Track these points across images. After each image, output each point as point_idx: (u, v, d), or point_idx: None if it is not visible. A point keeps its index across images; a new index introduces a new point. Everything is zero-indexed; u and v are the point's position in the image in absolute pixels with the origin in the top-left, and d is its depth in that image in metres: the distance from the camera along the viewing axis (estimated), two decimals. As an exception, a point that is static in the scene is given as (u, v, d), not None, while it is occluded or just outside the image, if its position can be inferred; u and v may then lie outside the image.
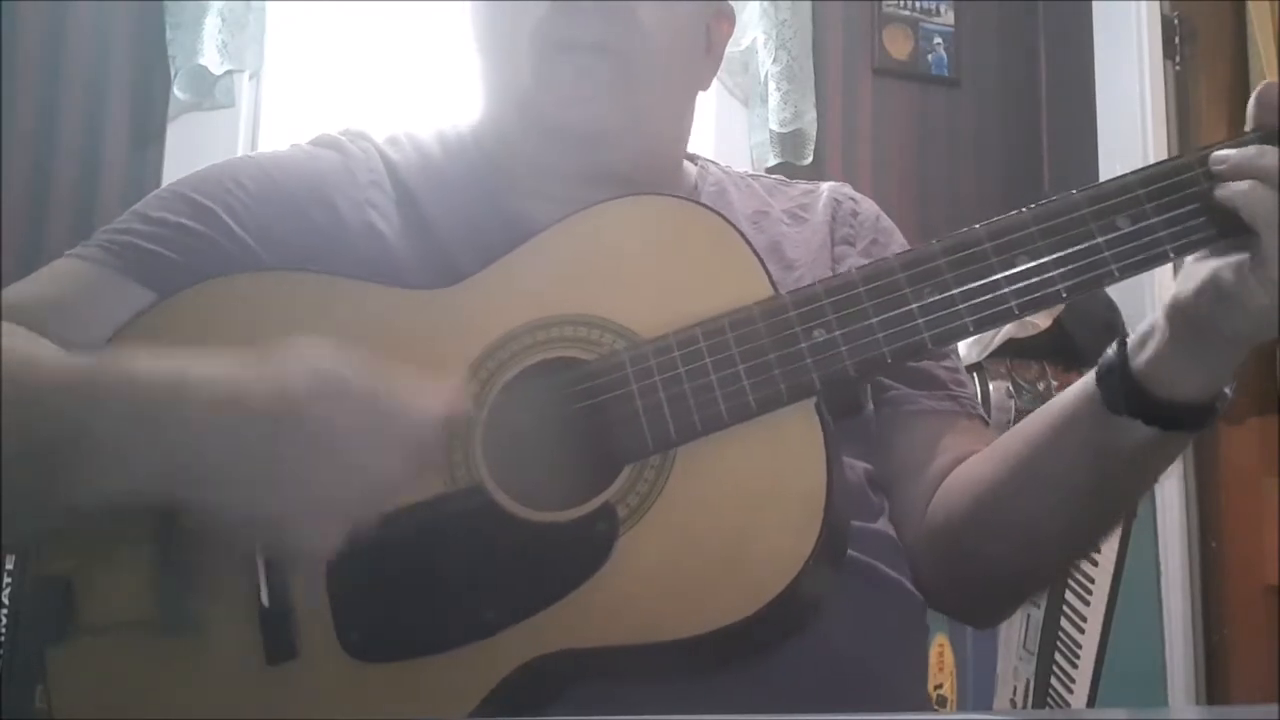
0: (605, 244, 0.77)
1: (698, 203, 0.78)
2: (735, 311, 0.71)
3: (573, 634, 0.66)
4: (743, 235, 0.75)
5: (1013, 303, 0.68)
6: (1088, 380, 0.74)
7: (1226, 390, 0.72)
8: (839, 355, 0.69)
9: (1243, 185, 0.66)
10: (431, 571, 0.69)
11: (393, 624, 0.68)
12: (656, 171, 0.89)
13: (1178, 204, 0.68)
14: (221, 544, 0.66)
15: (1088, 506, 0.78)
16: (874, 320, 0.69)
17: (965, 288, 0.69)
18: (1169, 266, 0.70)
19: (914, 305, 0.69)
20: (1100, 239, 0.68)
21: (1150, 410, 0.71)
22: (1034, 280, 0.68)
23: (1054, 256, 0.68)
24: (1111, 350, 0.73)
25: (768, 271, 0.73)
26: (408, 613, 0.68)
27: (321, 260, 0.81)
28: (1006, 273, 0.69)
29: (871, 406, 0.88)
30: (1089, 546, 0.88)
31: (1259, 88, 0.69)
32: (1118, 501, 0.81)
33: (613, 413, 0.71)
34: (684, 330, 0.71)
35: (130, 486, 0.63)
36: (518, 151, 0.89)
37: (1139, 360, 0.71)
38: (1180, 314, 0.69)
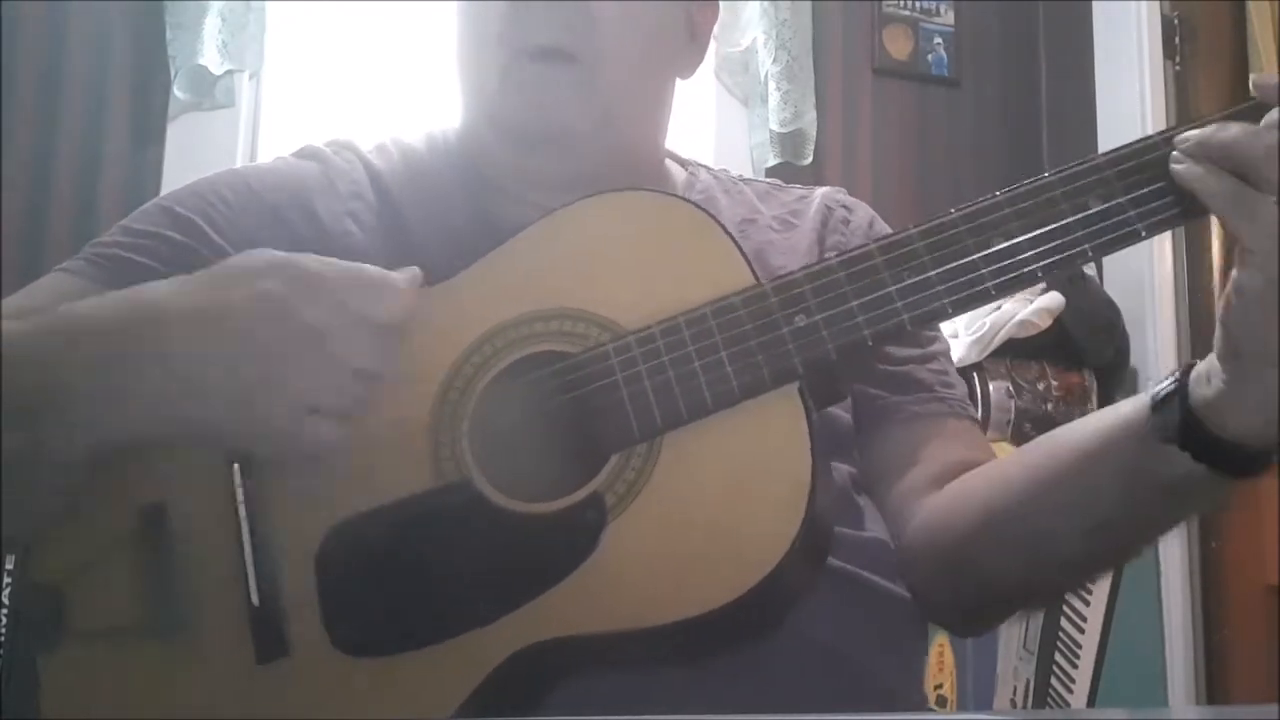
0: (587, 239, 0.78)
1: (676, 195, 0.79)
2: (717, 300, 0.72)
3: (563, 622, 0.67)
4: (722, 226, 0.75)
5: (989, 283, 0.69)
6: (1139, 403, 0.72)
7: None
8: (821, 339, 0.70)
9: (1197, 167, 0.65)
10: (420, 565, 0.69)
11: (383, 619, 0.68)
12: (633, 169, 0.89)
13: (1145, 183, 0.68)
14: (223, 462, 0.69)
15: (1111, 534, 0.76)
16: (854, 304, 0.70)
17: (942, 269, 0.70)
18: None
19: (892, 288, 0.70)
20: (1072, 219, 0.69)
21: (1202, 445, 0.68)
22: (1009, 261, 0.69)
23: (1027, 237, 0.69)
24: (1173, 377, 0.70)
25: (749, 262, 0.74)
26: (397, 607, 0.68)
27: None
28: (982, 254, 0.70)
29: (850, 417, 0.88)
30: (1100, 575, 0.86)
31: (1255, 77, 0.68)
32: (1142, 535, 0.78)
33: (598, 403, 0.71)
34: (667, 320, 0.72)
35: (119, 426, 0.67)
36: (493, 159, 0.90)
37: (1199, 392, 0.68)
38: (1220, 339, 0.67)
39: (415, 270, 0.73)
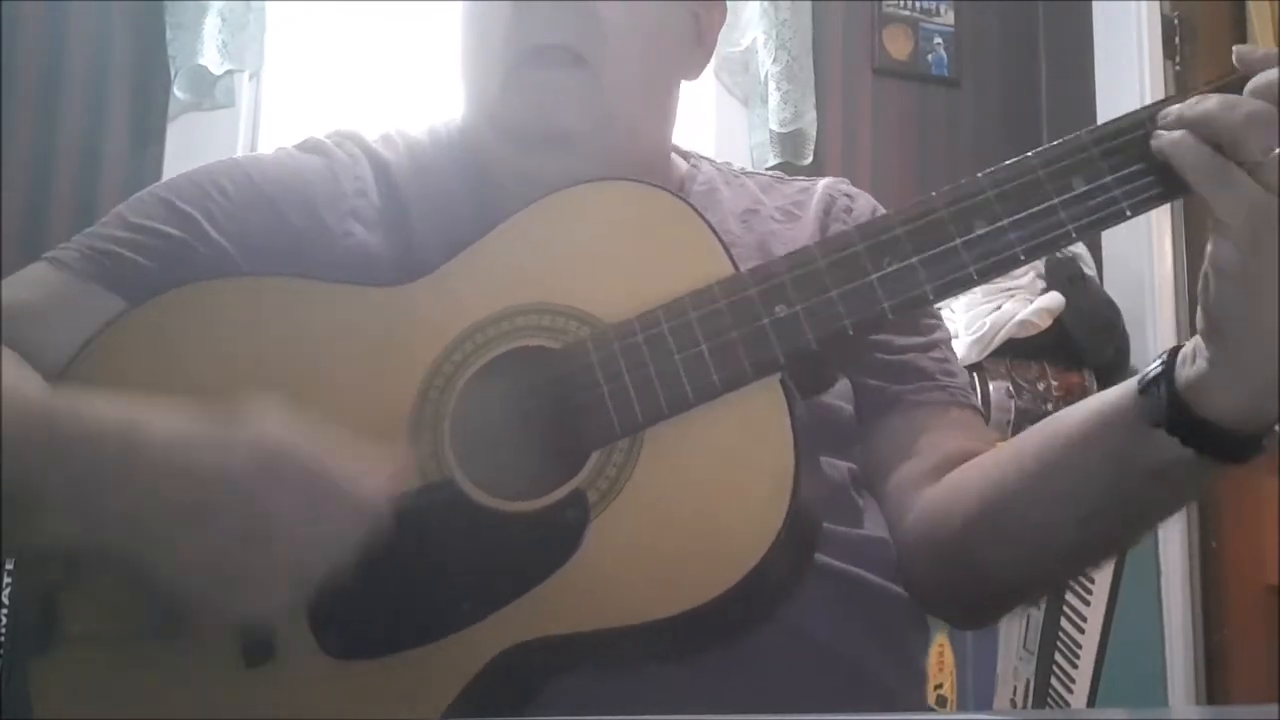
0: (566, 231, 0.77)
1: (654, 185, 0.78)
2: (697, 292, 0.71)
3: (548, 621, 0.66)
4: (702, 215, 0.75)
5: (971, 268, 0.68)
6: (1126, 388, 0.71)
7: (1278, 428, 0.68)
8: (801, 329, 0.69)
9: (1173, 135, 0.65)
10: (404, 566, 0.69)
11: (368, 621, 0.68)
12: (637, 169, 0.87)
13: (1129, 161, 0.67)
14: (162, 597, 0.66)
15: (1104, 521, 0.75)
16: (834, 293, 0.70)
17: (923, 255, 0.69)
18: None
19: (873, 276, 0.69)
20: (1055, 200, 0.68)
21: (1190, 429, 0.67)
22: (991, 245, 0.68)
23: (1010, 220, 0.68)
24: (1159, 360, 0.70)
25: (728, 251, 0.73)
26: (383, 609, 0.68)
27: (302, 265, 0.81)
28: (964, 239, 0.69)
29: (850, 408, 0.87)
30: (1096, 565, 0.86)
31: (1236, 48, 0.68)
32: (1136, 522, 0.77)
33: (579, 399, 0.71)
34: (646, 313, 0.71)
35: (75, 537, 0.65)
36: (494, 158, 0.89)
37: (1184, 374, 0.67)
38: (1200, 317, 0.67)
39: (407, 466, 0.69)
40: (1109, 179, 0.67)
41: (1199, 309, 0.67)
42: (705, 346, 0.70)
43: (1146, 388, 0.69)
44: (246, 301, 0.79)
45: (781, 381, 0.69)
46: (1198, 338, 0.67)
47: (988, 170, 0.70)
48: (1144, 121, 0.68)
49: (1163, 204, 0.68)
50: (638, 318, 0.71)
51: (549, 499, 0.69)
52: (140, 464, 0.64)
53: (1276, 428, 0.68)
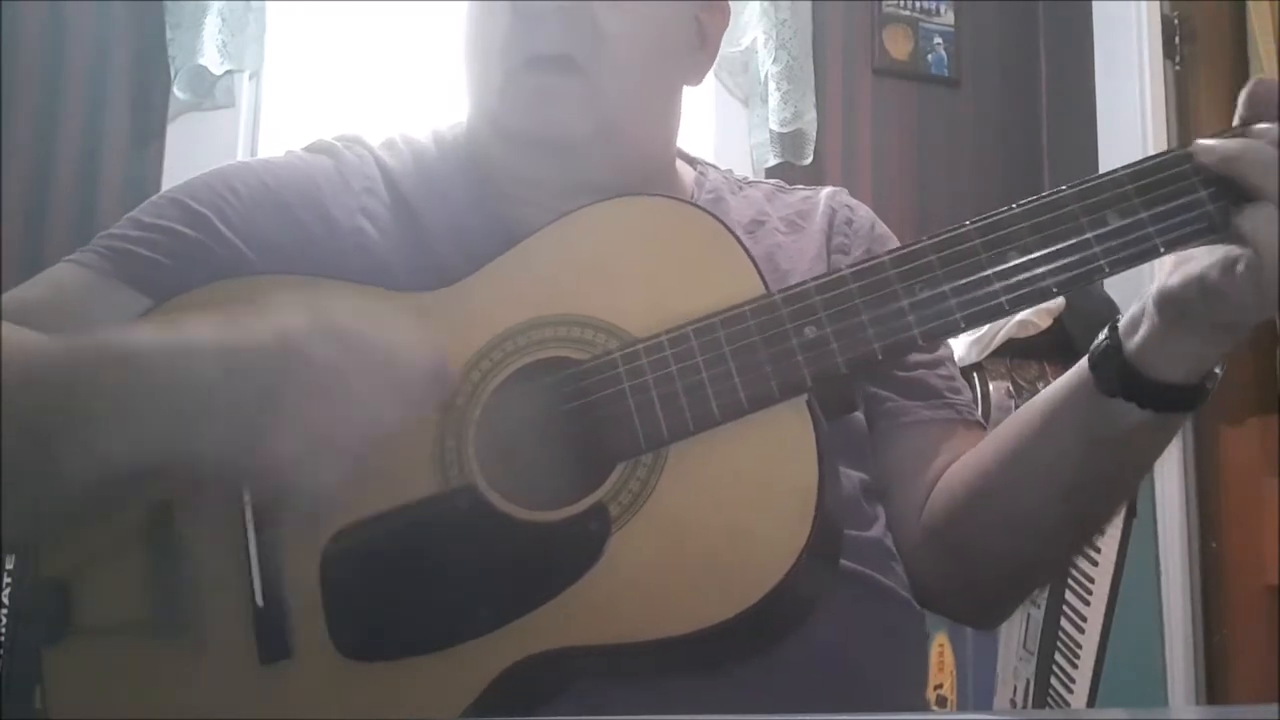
0: (597, 245, 0.77)
1: (688, 202, 0.79)
2: (727, 310, 0.71)
3: (565, 632, 0.66)
4: (734, 234, 0.75)
5: (1003, 298, 0.68)
6: (1080, 367, 0.75)
7: (1217, 370, 0.72)
8: (830, 352, 0.69)
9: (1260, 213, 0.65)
10: (424, 571, 0.69)
11: (386, 623, 0.68)
12: (641, 175, 0.88)
13: (1167, 199, 0.67)
14: (225, 496, 0.66)
15: (1084, 495, 0.78)
16: (865, 317, 0.70)
17: (955, 284, 0.69)
18: (1169, 258, 0.70)
19: (905, 302, 0.69)
20: (1090, 234, 0.68)
21: (1145, 393, 0.71)
22: (1024, 276, 0.69)
23: (1044, 252, 0.68)
24: (1104, 335, 0.73)
25: (759, 270, 0.73)
26: (401, 612, 0.68)
27: (314, 265, 0.81)
28: (996, 268, 0.69)
29: (863, 417, 0.88)
30: (1088, 538, 0.88)
31: (1250, 83, 0.69)
32: (1114, 489, 0.81)
33: (605, 411, 0.71)
34: (676, 329, 0.71)
35: (130, 449, 0.62)
36: (499, 164, 0.89)
37: (1131, 344, 0.71)
38: (1169, 303, 0.69)
39: (446, 369, 0.70)
40: (1145, 215, 0.68)
41: (1176, 295, 0.68)
42: (733, 365, 0.70)
43: (1097, 362, 0.73)
44: (267, 301, 0.79)
45: (808, 403, 0.69)
46: (1149, 302, 0.70)
47: (1022, 201, 0.70)
48: (1181, 159, 0.68)
49: (1197, 242, 0.68)
50: (666, 333, 0.72)
51: (570, 510, 0.69)
52: (187, 356, 0.63)
53: (1216, 370, 0.72)
